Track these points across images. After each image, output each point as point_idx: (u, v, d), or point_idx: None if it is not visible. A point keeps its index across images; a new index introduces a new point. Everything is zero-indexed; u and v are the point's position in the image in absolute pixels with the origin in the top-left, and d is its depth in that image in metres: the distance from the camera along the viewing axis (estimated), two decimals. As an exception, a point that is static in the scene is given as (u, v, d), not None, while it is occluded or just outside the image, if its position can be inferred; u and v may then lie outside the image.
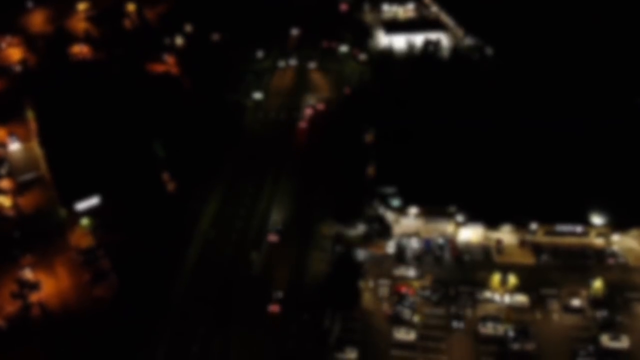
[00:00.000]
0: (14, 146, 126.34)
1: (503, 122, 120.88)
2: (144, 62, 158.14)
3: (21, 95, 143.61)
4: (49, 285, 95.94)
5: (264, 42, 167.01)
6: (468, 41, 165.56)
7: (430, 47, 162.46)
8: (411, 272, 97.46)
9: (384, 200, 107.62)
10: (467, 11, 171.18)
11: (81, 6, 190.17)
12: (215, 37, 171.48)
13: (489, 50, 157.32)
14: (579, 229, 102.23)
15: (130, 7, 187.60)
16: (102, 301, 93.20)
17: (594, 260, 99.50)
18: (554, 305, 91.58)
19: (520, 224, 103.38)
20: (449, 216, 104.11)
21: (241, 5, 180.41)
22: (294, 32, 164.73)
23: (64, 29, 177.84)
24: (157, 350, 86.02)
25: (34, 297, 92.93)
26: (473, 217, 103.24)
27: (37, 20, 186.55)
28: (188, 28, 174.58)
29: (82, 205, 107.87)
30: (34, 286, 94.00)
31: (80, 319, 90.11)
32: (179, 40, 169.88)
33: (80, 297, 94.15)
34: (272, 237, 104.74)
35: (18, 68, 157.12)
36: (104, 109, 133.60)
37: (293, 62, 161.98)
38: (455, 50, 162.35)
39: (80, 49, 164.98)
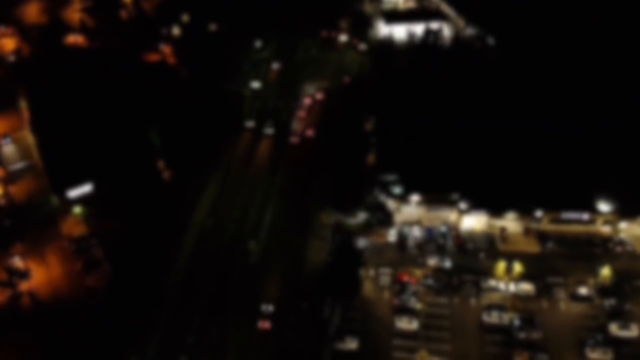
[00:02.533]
0: (8, 148, 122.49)
1: (506, 109, 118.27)
2: (140, 51, 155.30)
3: (14, 84, 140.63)
4: (39, 274, 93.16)
5: (262, 32, 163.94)
6: (469, 31, 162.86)
7: (431, 37, 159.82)
8: (447, 263, 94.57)
9: (385, 188, 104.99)
10: (468, 1, 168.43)
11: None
12: (213, 26, 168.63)
13: (490, 40, 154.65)
14: (585, 216, 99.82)
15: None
16: (94, 290, 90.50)
17: (601, 248, 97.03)
18: (561, 293, 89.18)
19: (525, 212, 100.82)
20: (452, 204, 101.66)
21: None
22: (275, 66, 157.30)
23: (60, 19, 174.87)
24: (151, 341, 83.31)
25: (23, 285, 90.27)
26: (476, 204, 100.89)
27: (33, 11, 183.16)
28: (185, 18, 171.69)
29: (75, 192, 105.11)
30: (24, 275, 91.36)
31: (71, 308, 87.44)
32: (176, 30, 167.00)
33: (72, 286, 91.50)
34: (295, 139, 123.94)
35: (12, 58, 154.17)
36: (99, 97, 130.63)
37: (270, 130, 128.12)
38: (457, 39, 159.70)
39: (75, 39, 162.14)
